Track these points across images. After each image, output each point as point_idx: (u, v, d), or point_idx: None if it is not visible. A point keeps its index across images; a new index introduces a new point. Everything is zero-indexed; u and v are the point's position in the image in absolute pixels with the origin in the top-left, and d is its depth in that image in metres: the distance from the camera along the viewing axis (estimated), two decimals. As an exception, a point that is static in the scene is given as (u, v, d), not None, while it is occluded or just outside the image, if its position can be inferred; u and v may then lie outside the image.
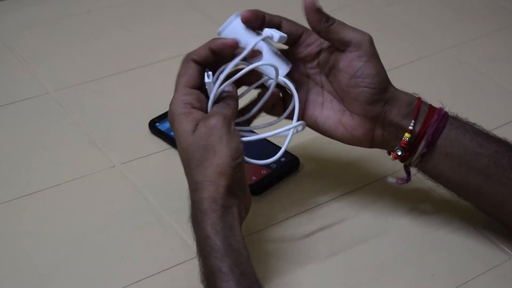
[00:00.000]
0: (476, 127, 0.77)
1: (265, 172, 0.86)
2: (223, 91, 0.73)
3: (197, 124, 0.70)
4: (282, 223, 0.81)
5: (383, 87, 0.74)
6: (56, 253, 0.76)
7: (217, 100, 0.73)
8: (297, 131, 0.77)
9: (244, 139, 0.73)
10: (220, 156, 0.68)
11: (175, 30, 1.13)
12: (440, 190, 0.82)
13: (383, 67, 0.75)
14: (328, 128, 0.78)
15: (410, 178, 0.80)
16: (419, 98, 0.76)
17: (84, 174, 0.85)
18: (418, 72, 1.08)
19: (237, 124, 0.76)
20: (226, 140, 0.69)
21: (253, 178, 0.85)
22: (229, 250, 0.66)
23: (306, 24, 0.76)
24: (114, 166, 0.87)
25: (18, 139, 0.91)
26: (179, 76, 0.73)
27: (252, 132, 0.77)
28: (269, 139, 0.86)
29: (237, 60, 0.73)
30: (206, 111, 0.73)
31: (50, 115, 0.95)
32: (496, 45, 1.15)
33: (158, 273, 0.74)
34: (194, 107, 0.71)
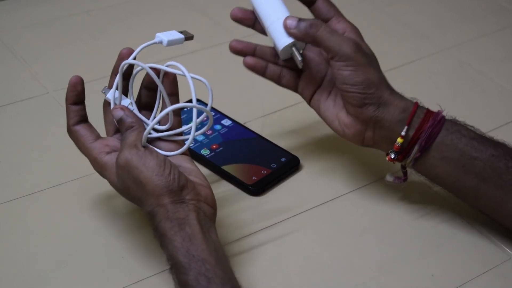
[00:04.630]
0: (473, 130, 0.77)
1: (265, 172, 0.86)
2: (118, 116, 0.73)
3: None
4: (282, 223, 0.81)
5: (372, 92, 0.75)
6: (56, 253, 0.76)
7: (117, 129, 0.74)
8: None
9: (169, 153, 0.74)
10: (148, 183, 0.69)
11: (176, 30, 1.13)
12: (440, 190, 0.82)
13: (374, 71, 0.76)
14: (326, 117, 0.80)
15: (406, 178, 0.80)
16: (415, 104, 0.77)
17: (84, 174, 0.85)
18: (418, 72, 1.08)
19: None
20: (143, 165, 0.70)
21: (253, 178, 0.85)
22: (192, 261, 0.66)
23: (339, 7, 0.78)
24: (114, 166, 0.87)
25: (18, 139, 0.91)
26: (77, 145, 0.76)
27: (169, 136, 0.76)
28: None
29: (128, 61, 0.74)
30: (117, 144, 0.74)
31: (50, 115, 0.95)
32: (496, 45, 1.15)
33: (158, 273, 0.75)
34: (107, 153, 0.74)
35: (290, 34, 0.76)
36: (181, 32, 0.76)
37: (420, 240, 0.80)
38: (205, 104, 0.93)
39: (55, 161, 0.88)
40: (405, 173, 0.80)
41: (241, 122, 0.93)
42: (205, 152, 0.88)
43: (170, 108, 0.72)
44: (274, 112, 0.97)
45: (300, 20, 0.76)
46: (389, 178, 0.81)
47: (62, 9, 1.16)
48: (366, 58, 0.75)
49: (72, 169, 0.86)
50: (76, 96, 0.75)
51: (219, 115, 0.93)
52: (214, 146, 0.89)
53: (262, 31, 0.81)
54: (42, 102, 0.97)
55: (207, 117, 0.74)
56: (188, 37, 0.77)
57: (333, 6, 0.79)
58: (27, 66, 1.03)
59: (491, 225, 0.81)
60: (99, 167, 0.74)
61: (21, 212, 0.81)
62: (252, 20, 0.81)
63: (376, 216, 0.83)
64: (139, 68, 0.75)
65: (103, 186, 0.84)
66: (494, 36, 1.18)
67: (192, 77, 0.72)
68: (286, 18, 0.76)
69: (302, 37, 0.76)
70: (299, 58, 0.77)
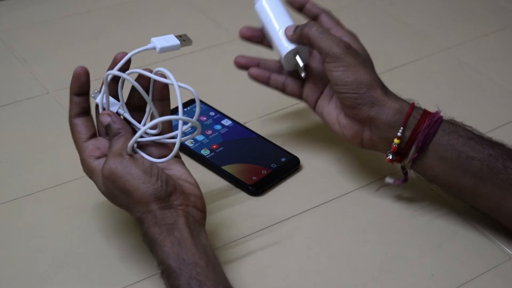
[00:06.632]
0: (470, 130, 0.78)
1: (265, 172, 0.86)
2: (106, 122, 0.73)
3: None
4: (282, 223, 0.81)
5: (363, 92, 0.76)
6: (56, 253, 0.76)
7: (105, 132, 0.73)
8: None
9: (153, 156, 0.72)
10: (135, 191, 0.69)
11: (176, 30, 1.13)
12: (440, 190, 0.82)
13: (365, 72, 0.77)
14: (328, 121, 0.82)
15: (407, 178, 0.81)
16: (411, 105, 0.77)
17: (84, 174, 0.85)
18: (418, 72, 1.08)
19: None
20: (128, 174, 0.69)
21: (253, 178, 0.85)
22: (183, 265, 0.66)
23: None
24: (114, 166, 0.87)
25: (18, 139, 0.91)
26: (73, 139, 0.75)
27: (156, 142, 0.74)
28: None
29: (112, 72, 0.73)
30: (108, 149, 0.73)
31: (50, 115, 0.95)
32: (496, 45, 1.15)
33: (158, 273, 0.74)
34: (97, 157, 0.73)
35: (289, 39, 0.80)
36: (179, 36, 0.75)
37: (420, 240, 0.80)
38: (204, 105, 0.93)
39: (55, 161, 0.88)
40: (405, 174, 0.81)
41: (241, 122, 0.93)
42: (205, 152, 0.88)
43: (158, 119, 0.71)
44: (274, 112, 0.97)
45: (299, 25, 0.78)
46: (388, 180, 0.82)
47: (62, 9, 1.16)
48: (357, 59, 0.77)
49: (72, 169, 0.86)
50: (79, 87, 0.74)
51: (219, 115, 0.93)
52: (214, 146, 0.89)
53: (270, 46, 0.84)
54: (42, 102, 0.97)
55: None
56: (186, 43, 0.75)
57: (333, 19, 0.82)
58: (27, 66, 1.03)
59: (491, 225, 0.81)
60: (88, 170, 0.73)
61: (21, 212, 0.81)
62: (260, 38, 0.85)
63: (376, 216, 0.83)
64: (132, 70, 0.73)
65: (103, 186, 0.84)
66: (494, 36, 1.18)
67: (179, 86, 0.70)
68: (287, 26, 0.79)
69: (299, 38, 0.79)
70: (301, 64, 0.80)
